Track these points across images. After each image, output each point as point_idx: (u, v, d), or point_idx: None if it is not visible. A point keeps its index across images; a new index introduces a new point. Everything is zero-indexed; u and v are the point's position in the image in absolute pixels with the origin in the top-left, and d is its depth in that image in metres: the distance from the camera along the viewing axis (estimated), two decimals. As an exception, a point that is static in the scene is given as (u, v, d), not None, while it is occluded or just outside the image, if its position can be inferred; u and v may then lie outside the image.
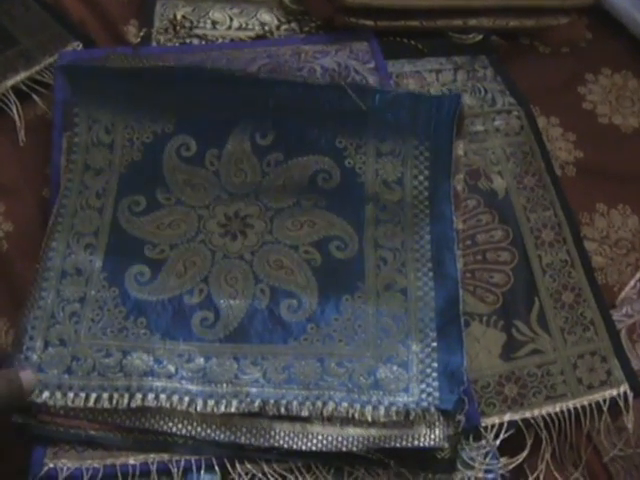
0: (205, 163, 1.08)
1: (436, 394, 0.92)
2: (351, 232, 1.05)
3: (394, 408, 0.91)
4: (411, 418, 0.90)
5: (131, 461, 0.91)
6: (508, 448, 0.95)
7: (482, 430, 0.95)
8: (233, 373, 0.94)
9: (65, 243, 1.03)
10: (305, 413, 0.91)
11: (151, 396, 0.91)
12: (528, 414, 0.97)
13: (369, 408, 0.91)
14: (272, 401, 0.92)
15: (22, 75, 1.22)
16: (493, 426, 0.95)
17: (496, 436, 0.95)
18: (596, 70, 1.36)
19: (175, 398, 0.91)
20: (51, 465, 0.90)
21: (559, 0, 1.35)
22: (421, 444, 0.90)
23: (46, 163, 1.14)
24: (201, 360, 0.96)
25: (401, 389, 0.93)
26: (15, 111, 1.20)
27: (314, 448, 0.90)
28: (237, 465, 0.91)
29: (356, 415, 0.91)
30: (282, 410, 0.91)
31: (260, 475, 0.90)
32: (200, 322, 0.99)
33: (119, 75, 1.11)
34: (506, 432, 0.95)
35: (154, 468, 0.90)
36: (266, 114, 1.09)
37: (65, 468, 0.90)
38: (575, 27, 1.42)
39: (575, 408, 0.97)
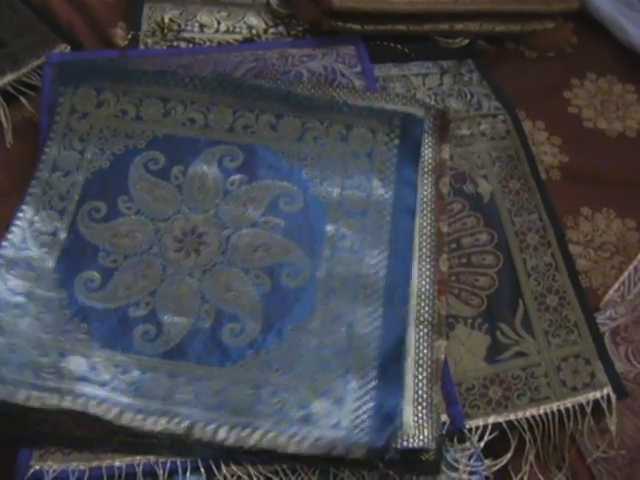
0: (170, 177, 1.09)
1: (367, 432, 0.91)
2: (306, 260, 1.03)
3: (321, 442, 0.90)
4: (335, 453, 0.90)
5: (117, 463, 0.91)
6: (492, 450, 0.96)
7: (466, 432, 0.95)
8: (166, 391, 0.94)
9: (22, 237, 1.03)
10: (230, 441, 0.90)
11: (81, 401, 0.91)
12: (512, 416, 0.97)
13: (295, 440, 0.90)
14: (200, 424, 0.91)
15: (9, 77, 1.22)
16: (477, 428, 0.96)
17: (480, 438, 0.95)
18: (581, 75, 1.38)
19: (104, 407, 0.91)
20: (37, 467, 0.90)
21: (545, 5, 1.36)
22: (410, 445, 0.90)
23: (33, 166, 1.13)
24: (137, 373, 0.95)
25: (331, 425, 0.91)
26: (2, 113, 1.20)
27: (302, 451, 0.91)
28: (222, 467, 0.91)
29: (281, 447, 0.90)
30: (208, 435, 0.90)
31: (245, 477, 0.90)
32: (141, 335, 0.98)
33: (107, 84, 1.14)
34: (490, 434, 0.96)
35: (140, 470, 0.90)
36: (239, 141, 1.11)
37: (51, 470, 0.89)
38: (561, 32, 1.43)
39: (559, 410, 0.98)
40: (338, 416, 0.92)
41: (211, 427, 0.91)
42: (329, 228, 1.05)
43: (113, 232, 1.05)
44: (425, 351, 0.98)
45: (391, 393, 0.93)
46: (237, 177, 1.09)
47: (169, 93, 1.14)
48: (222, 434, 0.91)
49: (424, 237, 1.06)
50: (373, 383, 0.94)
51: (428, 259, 1.04)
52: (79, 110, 1.13)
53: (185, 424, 0.91)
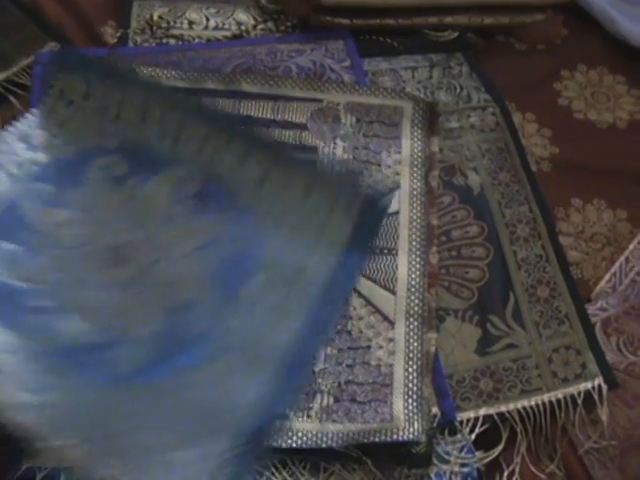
0: (125, 187, 1.07)
1: None
2: (216, 309, 0.97)
3: None
4: None
5: (109, 460, 0.91)
6: (484, 442, 0.96)
7: (458, 424, 0.95)
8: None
9: None
10: None
11: None
12: (503, 408, 0.97)
13: None
14: None
15: (-1, 77, 1.22)
16: (469, 420, 0.96)
17: (472, 430, 0.95)
18: (572, 66, 1.38)
19: None
20: (29, 464, 0.89)
21: (535, -3, 1.36)
22: (400, 438, 0.90)
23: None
24: None
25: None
26: (-9, 113, 1.20)
27: (294, 445, 0.90)
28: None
29: None
30: None
31: (235, 471, 0.90)
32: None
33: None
34: (482, 426, 0.96)
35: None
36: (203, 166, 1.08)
37: (42, 468, 0.89)
38: (551, 24, 1.42)
39: (550, 402, 0.98)
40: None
41: None
42: (252, 285, 0.98)
43: (54, 219, 1.04)
44: (415, 344, 0.98)
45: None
46: (188, 203, 1.05)
47: (151, 100, 1.12)
48: None
49: (414, 230, 1.06)
50: (230, 454, 0.86)
51: (418, 252, 1.04)
52: (66, 97, 1.13)
53: None
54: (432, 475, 0.92)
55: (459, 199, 1.13)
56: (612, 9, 1.41)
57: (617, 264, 1.13)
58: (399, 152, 1.12)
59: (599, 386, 0.99)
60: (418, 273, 1.03)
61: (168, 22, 1.32)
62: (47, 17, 1.32)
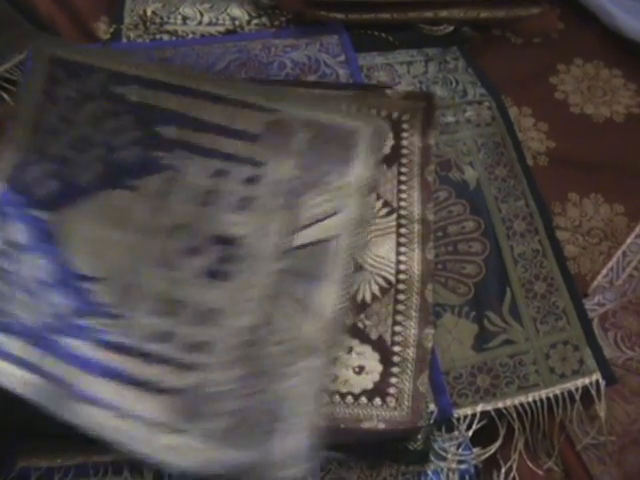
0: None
1: None
2: None
3: None
4: None
5: (104, 459, 0.90)
6: (481, 439, 0.95)
7: (455, 421, 0.95)
8: None
9: None
10: None
11: None
12: (501, 404, 0.97)
13: None
14: None
15: (-10, 73, 1.21)
16: (466, 417, 0.95)
17: (469, 427, 0.95)
18: (568, 60, 1.37)
19: None
20: (23, 464, 0.89)
21: (530, -10, 1.35)
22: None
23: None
24: None
25: None
26: (-17, 110, 1.19)
27: None
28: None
29: None
30: None
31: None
32: None
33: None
34: (479, 423, 0.95)
35: (126, 466, 0.90)
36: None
37: (37, 468, 0.89)
38: (547, 17, 1.42)
39: (548, 398, 0.98)
40: None
41: None
42: None
43: None
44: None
45: None
46: None
47: None
48: None
49: (345, 258, 1.01)
50: None
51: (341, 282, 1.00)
52: None
53: None
54: (429, 472, 0.92)
55: (455, 194, 1.12)
56: (608, 2, 1.40)
57: (614, 258, 1.12)
58: (349, 175, 1.06)
59: (597, 382, 0.99)
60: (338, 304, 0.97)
61: (162, 17, 1.32)
62: (39, 13, 1.32)
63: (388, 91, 1.16)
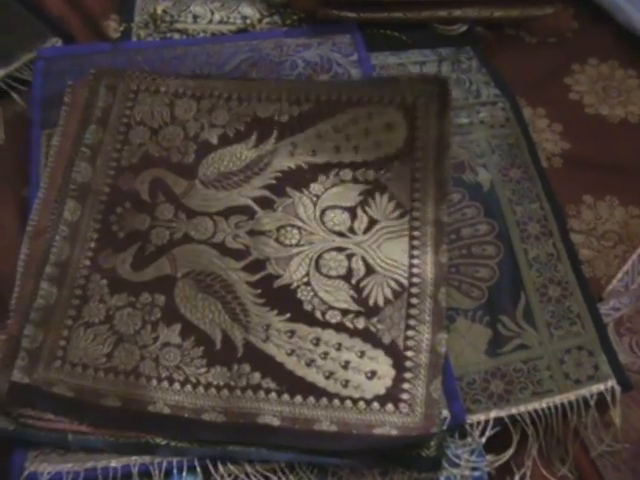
0: None
1: None
2: None
3: None
4: None
5: (112, 464, 0.90)
6: (494, 445, 0.94)
7: (468, 427, 0.94)
8: None
9: None
10: None
11: None
12: (514, 410, 0.96)
13: None
14: None
15: (0, 72, 1.21)
16: (479, 423, 0.95)
17: (482, 433, 0.94)
18: (583, 60, 1.35)
19: None
20: (32, 469, 0.89)
21: (544, -11, 1.34)
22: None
23: (26, 162, 1.12)
24: None
25: None
26: (-7, 108, 1.19)
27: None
28: (219, 466, 0.90)
29: None
30: None
31: (243, 476, 0.90)
32: None
33: None
34: (492, 429, 0.94)
35: (135, 470, 0.90)
36: None
37: (45, 472, 0.89)
38: (561, 17, 1.40)
39: (562, 404, 0.97)
40: None
41: None
42: None
43: None
44: None
45: None
46: None
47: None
48: None
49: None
50: None
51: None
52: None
53: None
54: (442, 479, 0.91)
55: (469, 196, 1.11)
56: (623, 0, 1.38)
57: (629, 262, 1.11)
58: None
59: (612, 388, 0.97)
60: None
61: (172, 16, 1.31)
62: (49, 12, 1.32)
63: (401, 76, 1.17)
